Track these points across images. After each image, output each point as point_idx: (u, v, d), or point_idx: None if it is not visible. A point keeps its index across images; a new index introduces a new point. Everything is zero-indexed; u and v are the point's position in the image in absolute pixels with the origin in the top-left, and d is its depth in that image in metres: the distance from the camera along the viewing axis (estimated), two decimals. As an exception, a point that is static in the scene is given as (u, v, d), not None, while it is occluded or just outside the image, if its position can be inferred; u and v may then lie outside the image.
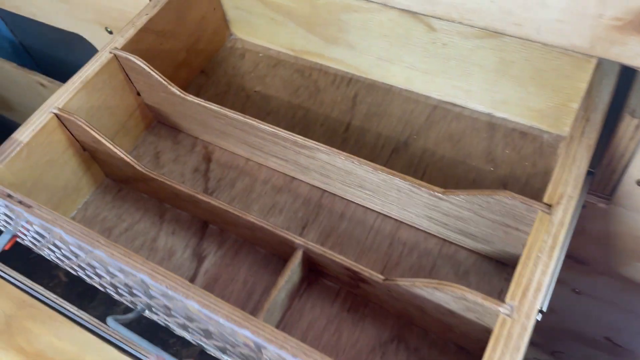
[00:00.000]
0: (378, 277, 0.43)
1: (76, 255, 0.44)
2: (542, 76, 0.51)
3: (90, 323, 0.60)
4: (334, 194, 0.55)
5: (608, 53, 0.37)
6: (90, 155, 0.57)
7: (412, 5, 0.45)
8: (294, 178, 0.57)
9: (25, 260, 0.64)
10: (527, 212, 0.40)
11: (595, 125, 0.43)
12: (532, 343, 0.98)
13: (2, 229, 0.55)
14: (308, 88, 0.65)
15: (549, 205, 0.39)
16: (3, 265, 0.68)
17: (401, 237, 0.52)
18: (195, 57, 0.67)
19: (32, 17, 0.90)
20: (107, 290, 0.51)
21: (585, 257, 0.64)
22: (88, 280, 0.53)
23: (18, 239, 0.55)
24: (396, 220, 0.53)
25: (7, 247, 0.53)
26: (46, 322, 0.61)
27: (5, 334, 0.61)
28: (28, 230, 0.50)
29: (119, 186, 0.59)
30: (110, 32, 0.81)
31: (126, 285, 0.41)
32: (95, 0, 0.71)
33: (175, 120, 0.61)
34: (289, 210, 0.55)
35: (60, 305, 0.63)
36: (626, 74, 0.45)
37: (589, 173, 0.52)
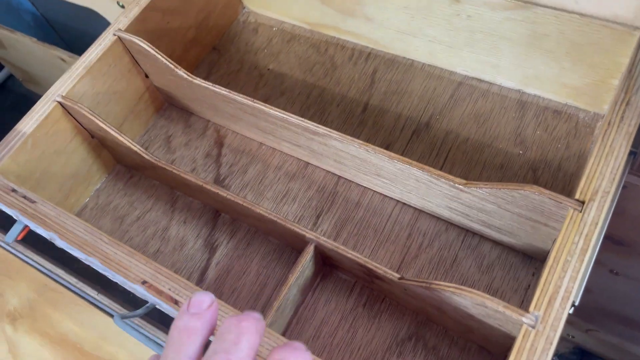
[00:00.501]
0: (393, 275, 0.40)
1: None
2: (579, 50, 0.46)
3: (110, 308, 0.60)
4: (350, 181, 0.52)
5: (655, 25, 0.32)
6: (99, 142, 0.55)
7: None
8: (308, 163, 0.54)
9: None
10: (557, 209, 0.37)
11: (637, 109, 0.38)
12: (567, 321, 0.94)
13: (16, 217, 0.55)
14: (324, 65, 0.61)
15: (582, 202, 0.35)
16: (25, 248, 0.69)
17: (421, 227, 0.49)
18: (206, 34, 0.64)
19: None
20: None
21: (624, 238, 0.60)
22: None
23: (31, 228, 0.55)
24: (416, 209, 0.49)
25: (19, 237, 0.53)
26: (68, 307, 0.61)
27: (29, 318, 0.62)
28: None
29: (131, 172, 0.58)
30: (122, 6, 0.79)
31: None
32: (106, -26, 0.69)
33: (186, 102, 0.59)
34: (303, 197, 0.52)
35: (82, 290, 0.63)
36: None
37: (631, 153, 0.48)
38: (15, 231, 0.52)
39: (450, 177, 0.42)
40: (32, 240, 0.63)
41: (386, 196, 0.51)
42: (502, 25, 0.48)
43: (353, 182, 0.52)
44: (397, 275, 0.40)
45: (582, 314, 0.89)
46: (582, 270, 0.33)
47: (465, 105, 0.55)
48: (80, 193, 0.56)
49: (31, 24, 1.46)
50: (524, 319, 0.32)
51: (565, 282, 0.33)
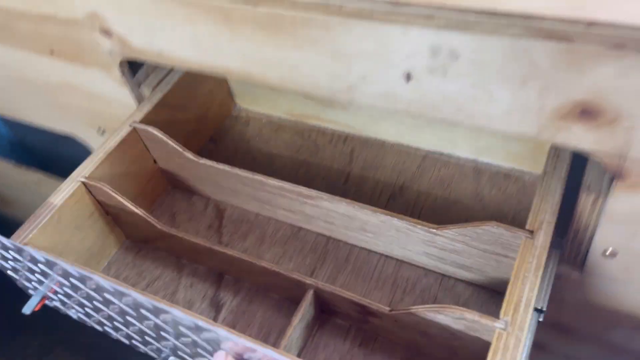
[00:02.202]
0: (384, 309, 0.47)
1: (108, 305, 0.48)
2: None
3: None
4: (339, 240, 0.60)
5: (555, 138, 0.39)
6: (112, 219, 0.62)
7: (374, 101, 0.45)
8: (300, 228, 0.62)
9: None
10: (513, 239, 0.45)
11: (565, 160, 0.49)
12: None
13: (32, 292, 0.59)
14: (308, 148, 0.71)
15: (531, 232, 0.44)
16: None
17: (403, 274, 0.56)
18: (205, 126, 0.73)
19: (29, 122, 0.91)
20: (133, 341, 0.55)
21: (569, 325, 0.62)
22: (114, 334, 0.57)
23: (47, 301, 0.59)
24: (398, 259, 0.57)
25: (37, 308, 0.57)
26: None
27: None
28: (56, 292, 0.55)
29: (139, 247, 0.64)
30: (103, 132, 0.81)
31: (156, 326, 0.45)
32: (88, 106, 0.75)
33: (189, 183, 0.67)
34: (298, 256, 0.59)
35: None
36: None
37: (557, 247, 0.52)
38: (33, 303, 0.57)
39: (425, 223, 0.50)
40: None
41: (371, 250, 0.58)
42: (454, 106, 0.60)
43: (341, 240, 0.60)
44: (388, 308, 0.47)
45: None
46: (538, 283, 0.41)
47: (431, 173, 0.65)
48: (94, 266, 0.61)
49: (7, 147, 1.48)
50: (496, 324, 0.39)
51: (525, 293, 0.40)
